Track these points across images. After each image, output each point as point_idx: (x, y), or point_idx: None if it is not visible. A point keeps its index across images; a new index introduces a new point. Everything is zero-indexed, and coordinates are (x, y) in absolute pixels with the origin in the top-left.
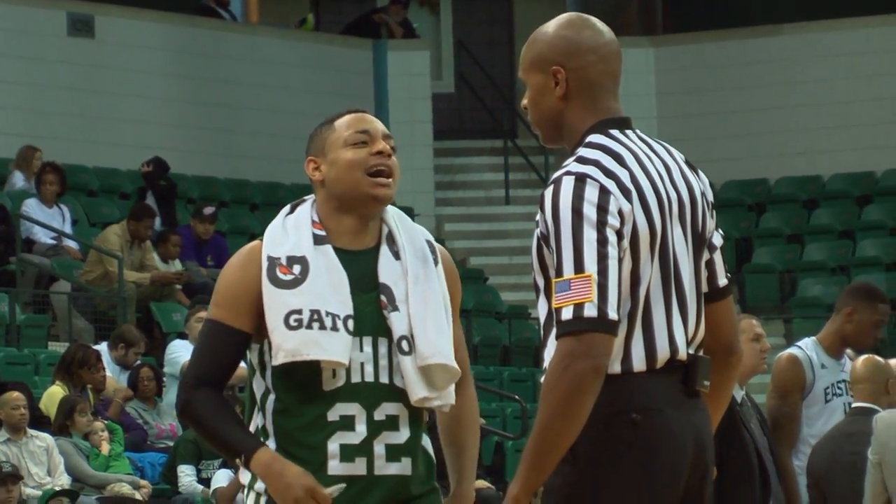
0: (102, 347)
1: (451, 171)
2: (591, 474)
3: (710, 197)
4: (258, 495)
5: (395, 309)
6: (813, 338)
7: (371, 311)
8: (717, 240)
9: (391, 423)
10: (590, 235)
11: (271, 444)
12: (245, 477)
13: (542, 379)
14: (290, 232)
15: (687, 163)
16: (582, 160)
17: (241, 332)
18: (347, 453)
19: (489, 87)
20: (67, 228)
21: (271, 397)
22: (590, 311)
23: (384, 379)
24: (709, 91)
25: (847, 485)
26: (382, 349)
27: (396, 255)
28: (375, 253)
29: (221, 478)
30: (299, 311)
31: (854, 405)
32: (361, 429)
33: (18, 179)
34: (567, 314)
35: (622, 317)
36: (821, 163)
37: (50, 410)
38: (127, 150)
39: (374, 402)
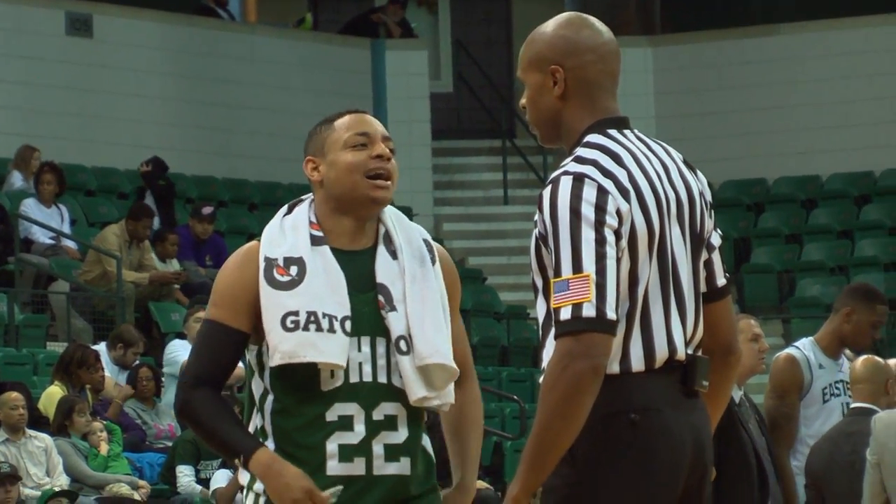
0: (101, 347)
1: (449, 170)
2: (589, 474)
3: (709, 197)
4: (257, 496)
5: (393, 309)
6: (810, 338)
7: (369, 311)
8: (716, 240)
9: (390, 423)
10: (588, 235)
11: (270, 444)
12: (244, 477)
13: (541, 379)
14: (288, 233)
15: (685, 162)
16: (580, 160)
17: (240, 332)
18: (346, 453)
19: (487, 87)
20: (66, 228)
21: (270, 398)
22: (588, 311)
23: (382, 379)
24: (707, 91)
25: (845, 485)
26: (381, 349)
27: (394, 255)
28: (373, 253)
29: (220, 478)
30: (296, 313)
31: (853, 405)
32: (360, 429)
33: (17, 179)
34: (565, 314)
35: (621, 317)
36: (819, 162)
37: (48, 411)
38: (125, 150)
39: (373, 402)
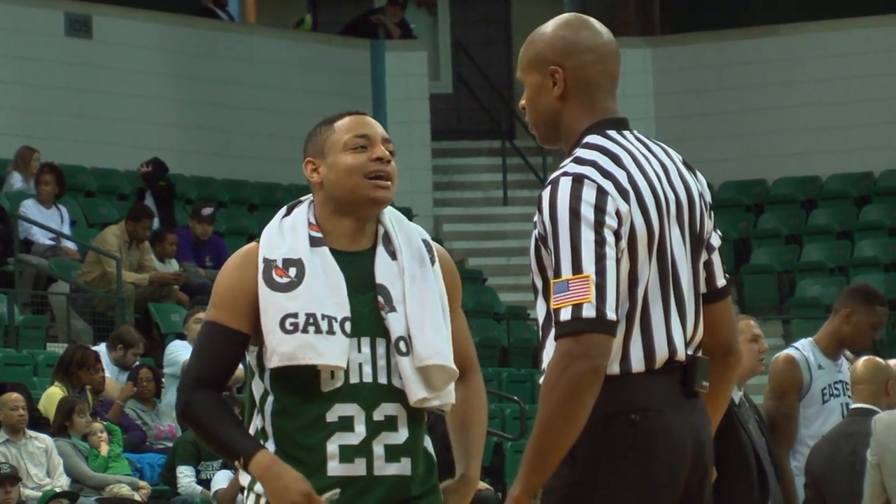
0: (101, 348)
1: (449, 171)
2: (590, 475)
3: (708, 198)
4: (258, 496)
5: (393, 309)
6: (810, 339)
7: (368, 311)
8: (716, 240)
9: (390, 424)
10: (587, 236)
11: (270, 445)
12: (245, 478)
13: (541, 380)
14: (287, 234)
15: (685, 163)
16: (579, 161)
17: (240, 333)
18: (347, 454)
19: (487, 88)
20: (66, 229)
21: (270, 399)
22: (588, 311)
23: (382, 379)
24: (706, 91)
25: (846, 485)
26: (381, 350)
27: (393, 256)
28: (372, 254)
29: (221, 479)
30: (295, 315)
31: (853, 406)
32: (360, 429)
33: (17, 180)
34: (565, 315)
35: (620, 317)
36: (819, 163)
37: (49, 411)
38: (125, 151)
39: (373, 403)
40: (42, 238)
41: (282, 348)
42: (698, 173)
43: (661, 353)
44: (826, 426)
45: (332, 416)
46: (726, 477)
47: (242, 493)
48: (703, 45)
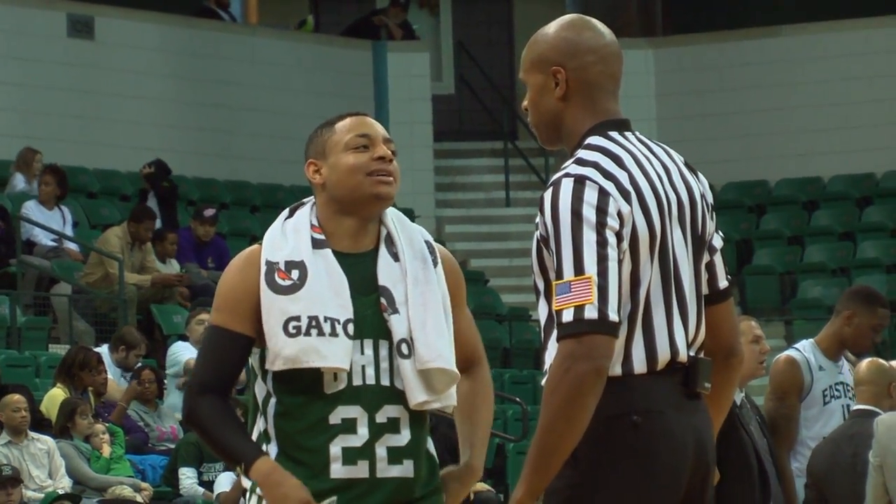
0: (103, 350)
1: (451, 172)
2: (591, 476)
3: (710, 199)
4: (260, 499)
5: (395, 311)
6: (811, 340)
7: (371, 313)
8: (718, 242)
9: (392, 426)
10: (589, 237)
11: (273, 447)
12: (247, 481)
13: (544, 381)
14: (289, 236)
15: (686, 165)
16: (581, 162)
17: (244, 336)
18: (349, 456)
19: (489, 89)
20: (68, 230)
21: (272, 401)
22: (590, 312)
23: (385, 381)
24: (708, 92)
25: (847, 486)
26: (383, 352)
27: (395, 257)
28: (374, 255)
29: (224, 482)
30: (297, 318)
31: (855, 407)
32: (363, 431)
33: (19, 181)
34: (568, 316)
35: (622, 319)
36: (821, 164)
37: (51, 413)
38: (127, 152)
39: (376, 405)
40: (44, 239)
41: (285, 351)
42: (700, 174)
43: (663, 355)
44: (827, 427)
45: (335, 418)
46: (728, 478)
47: (244, 497)
48: (704, 46)
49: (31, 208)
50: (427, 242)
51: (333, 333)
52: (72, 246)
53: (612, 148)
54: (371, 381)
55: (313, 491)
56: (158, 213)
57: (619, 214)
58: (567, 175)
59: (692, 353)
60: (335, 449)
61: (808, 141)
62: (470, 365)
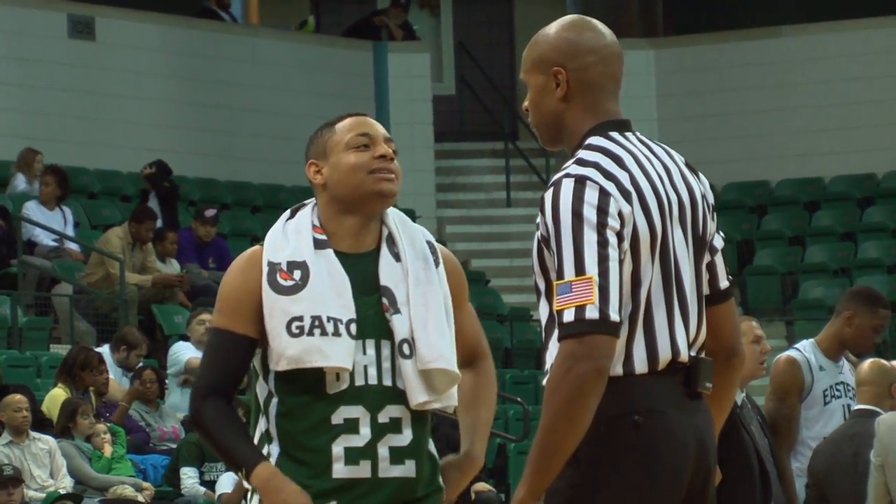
0: (104, 350)
1: (451, 173)
2: (593, 476)
3: (711, 199)
4: (262, 500)
5: (397, 311)
6: (811, 340)
7: (374, 313)
8: (718, 242)
9: (395, 426)
10: (590, 237)
11: (275, 447)
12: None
13: (545, 382)
14: (291, 237)
15: (687, 165)
16: (581, 162)
17: (247, 338)
18: (352, 456)
19: (490, 89)
20: (69, 231)
21: (274, 401)
22: (591, 313)
23: (387, 382)
24: (709, 93)
25: (848, 486)
26: (385, 352)
27: (397, 257)
28: (376, 255)
29: (226, 483)
30: (300, 318)
31: (856, 407)
32: (366, 431)
33: (20, 182)
34: (569, 316)
35: (623, 319)
36: (822, 165)
37: (52, 413)
38: (127, 153)
39: (378, 405)
40: (45, 240)
41: (289, 352)
42: (701, 175)
43: (664, 355)
44: (828, 427)
45: (338, 418)
46: (729, 478)
47: (246, 498)
48: (705, 46)
49: (31, 209)
50: (429, 243)
51: (336, 333)
52: (73, 246)
53: (612, 148)
54: (373, 381)
55: (316, 490)
56: (159, 214)
57: (620, 215)
58: (568, 175)
59: (693, 353)
60: (337, 449)
61: (808, 141)
62: (474, 359)
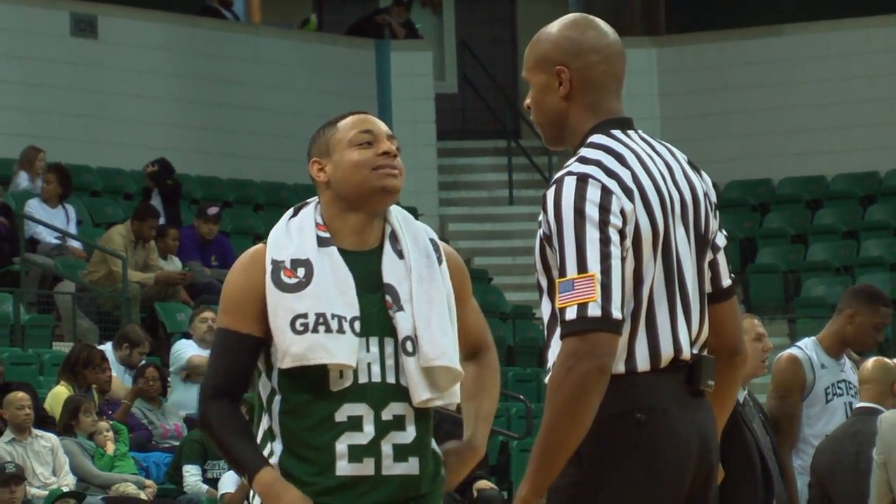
0: (107, 347)
1: (454, 171)
2: (595, 474)
3: (713, 197)
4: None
5: (401, 309)
6: (813, 338)
7: (377, 311)
8: (721, 240)
9: (398, 423)
10: (592, 235)
11: (278, 445)
12: None
13: (547, 379)
14: (294, 235)
15: (689, 163)
16: (584, 160)
17: (252, 337)
18: (356, 454)
19: (492, 88)
20: (72, 229)
21: (277, 398)
22: (594, 310)
23: (391, 379)
24: (711, 91)
25: (850, 484)
26: (389, 349)
27: (400, 255)
28: (379, 252)
29: (228, 482)
30: (305, 315)
31: (858, 405)
32: (369, 429)
33: (23, 180)
34: (571, 314)
35: (626, 316)
36: (824, 163)
37: (55, 410)
38: (130, 151)
39: (382, 403)
40: (48, 237)
41: (293, 349)
42: (703, 173)
43: (667, 353)
44: (830, 425)
45: (341, 415)
46: (731, 476)
47: (248, 498)
48: (707, 45)
49: (34, 206)
50: (432, 240)
51: (340, 330)
52: (75, 244)
53: (614, 146)
54: (377, 378)
55: (319, 488)
56: (162, 212)
57: (622, 212)
58: (570, 173)
59: (695, 351)
60: (341, 446)
61: (810, 140)
62: (477, 351)
